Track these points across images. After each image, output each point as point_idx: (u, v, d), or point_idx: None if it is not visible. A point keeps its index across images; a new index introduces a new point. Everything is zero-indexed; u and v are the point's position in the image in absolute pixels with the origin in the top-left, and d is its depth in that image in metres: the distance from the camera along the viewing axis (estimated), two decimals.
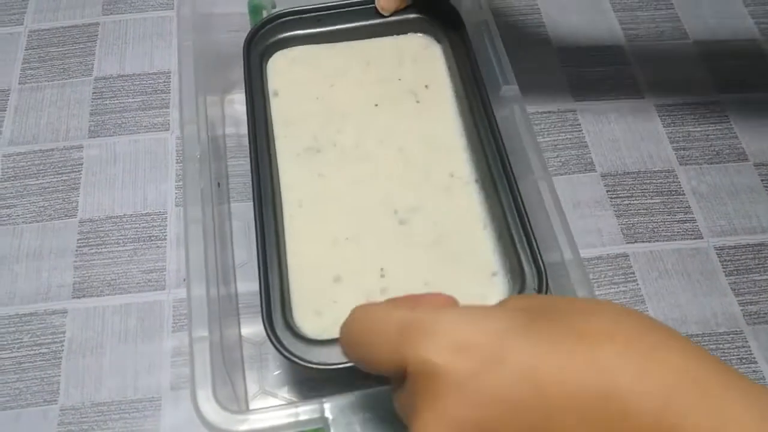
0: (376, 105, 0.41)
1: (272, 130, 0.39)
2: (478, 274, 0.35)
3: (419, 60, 0.42)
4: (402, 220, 0.37)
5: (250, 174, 0.35)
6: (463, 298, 0.34)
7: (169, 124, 0.48)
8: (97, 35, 0.52)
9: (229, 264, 0.40)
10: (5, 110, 0.48)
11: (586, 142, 0.49)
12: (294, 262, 0.35)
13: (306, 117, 0.39)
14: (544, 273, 0.34)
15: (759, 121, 0.50)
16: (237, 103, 0.47)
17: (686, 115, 0.50)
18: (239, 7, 0.43)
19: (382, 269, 0.35)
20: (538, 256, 0.34)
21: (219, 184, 0.40)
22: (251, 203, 0.35)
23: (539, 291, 0.33)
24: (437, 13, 0.42)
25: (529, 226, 0.35)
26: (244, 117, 0.38)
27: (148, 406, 0.38)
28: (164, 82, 0.50)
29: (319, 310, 0.34)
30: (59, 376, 0.39)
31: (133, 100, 0.49)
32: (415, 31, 0.43)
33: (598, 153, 0.48)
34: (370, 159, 0.39)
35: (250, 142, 0.37)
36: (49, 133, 0.47)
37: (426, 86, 0.42)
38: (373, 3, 0.42)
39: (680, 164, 0.48)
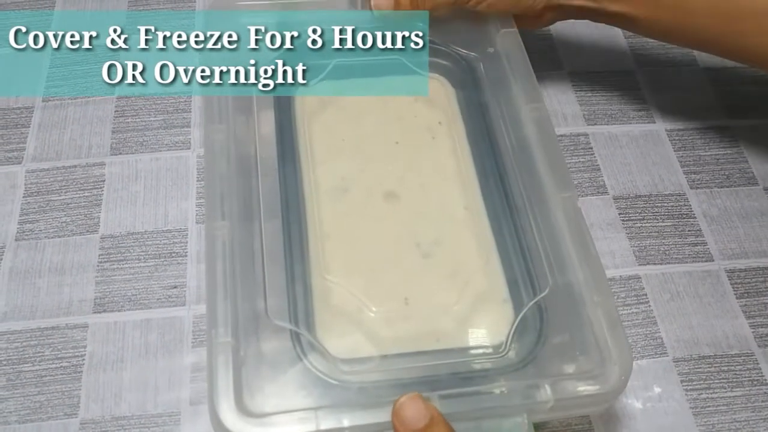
0: (397, 143, 0.43)
1: (300, 161, 0.41)
2: (491, 301, 0.38)
3: (433, 98, 0.45)
4: (425, 254, 0.39)
5: (278, 194, 0.37)
6: (479, 323, 0.37)
7: (190, 142, 0.49)
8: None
9: (251, 279, 0.41)
10: (29, 127, 0.49)
11: (598, 165, 0.49)
12: (319, 287, 0.37)
13: (334, 158, 0.42)
14: (544, 309, 0.36)
15: None
16: (264, 124, 0.47)
17: (696, 140, 0.51)
18: None
19: (406, 299, 0.37)
20: (538, 290, 0.36)
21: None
22: (277, 221, 0.36)
23: (541, 327, 0.35)
24: (452, 58, 0.45)
25: (529, 262, 0.37)
26: (274, 137, 0.40)
27: (167, 420, 0.39)
28: (185, 101, 0.51)
29: (343, 333, 0.35)
30: (80, 389, 0.40)
31: (154, 119, 0.50)
32: (431, 72, 0.45)
33: (611, 176, 0.49)
34: (393, 196, 0.41)
35: (279, 169, 0.39)
36: (71, 150, 0.48)
37: (439, 123, 0.44)
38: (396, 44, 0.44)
39: (691, 188, 0.49)
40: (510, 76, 0.43)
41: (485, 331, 0.36)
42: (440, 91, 0.45)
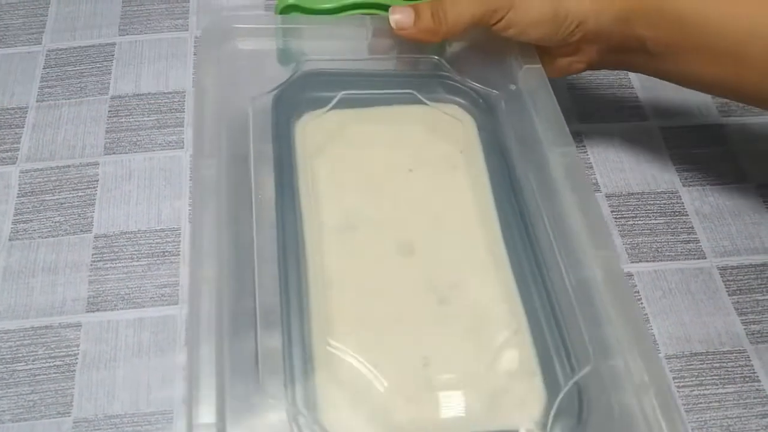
0: (411, 170, 0.39)
1: (300, 200, 0.37)
2: (518, 370, 0.33)
3: (454, 127, 0.41)
4: (441, 300, 0.35)
5: (275, 237, 0.35)
6: (506, 398, 0.32)
7: (183, 142, 0.49)
8: (113, 55, 0.53)
9: (242, 349, 0.34)
10: (23, 127, 0.50)
11: (591, 163, 0.50)
12: (321, 355, 0.32)
13: (340, 191, 0.38)
14: (581, 390, 0.32)
15: (760, 144, 0.51)
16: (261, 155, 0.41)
17: (689, 138, 0.51)
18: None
19: (425, 358, 0.33)
20: (575, 364, 0.33)
21: (259, 196, 0.37)
22: (273, 267, 0.34)
23: (580, 408, 0.32)
24: (471, 88, 0.43)
25: (564, 333, 0.34)
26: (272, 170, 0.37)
27: (160, 419, 0.39)
28: (179, 101, 0.51)
29: (350, 413, 0.31)
30: (73, 388, 0.40)
31: (148, 118, 0.50)
32: (449, 102, 0.42)
33: (603, 174, 0.49)
34: (406, 231, 0.37)
35: (276, 212, 0.35)
36: (65, 150, 0.49)
37: (461, 152, 0.40)
38: (408, 75, 0.42)
39: (683, 186, 0.49)
40: (534, 116, 0.40)
41: (516, 411, 0.32)
42: (458, 127, 0.42)
